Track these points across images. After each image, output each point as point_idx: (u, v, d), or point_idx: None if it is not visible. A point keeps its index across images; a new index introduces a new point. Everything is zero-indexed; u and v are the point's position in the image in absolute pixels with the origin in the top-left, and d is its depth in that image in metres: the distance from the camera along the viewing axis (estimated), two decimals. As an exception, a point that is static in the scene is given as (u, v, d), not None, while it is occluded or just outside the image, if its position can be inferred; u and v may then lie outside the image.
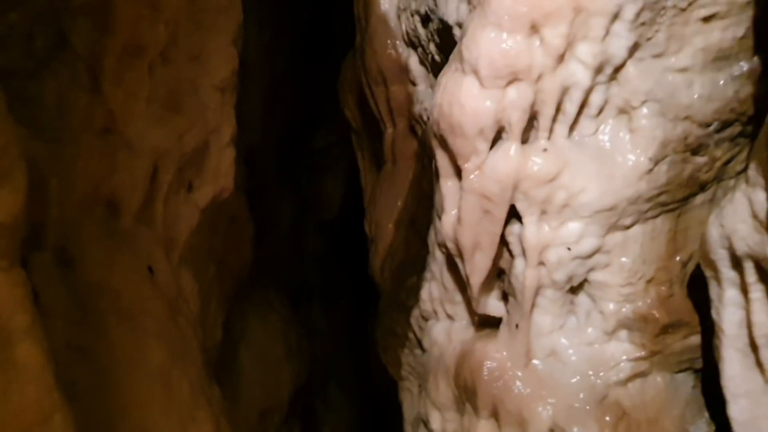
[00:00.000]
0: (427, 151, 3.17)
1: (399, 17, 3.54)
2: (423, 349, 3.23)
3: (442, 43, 3.11)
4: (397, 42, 3.59)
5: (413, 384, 3.51)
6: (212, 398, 2.25)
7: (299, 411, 4.67)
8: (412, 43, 3.48)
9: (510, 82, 2.27)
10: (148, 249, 2.15)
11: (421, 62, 3.49)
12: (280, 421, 4.19)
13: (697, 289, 2.51)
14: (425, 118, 3.49)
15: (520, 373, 2.60)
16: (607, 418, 2.50)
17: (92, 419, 1.62)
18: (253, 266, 4.12)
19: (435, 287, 2.98)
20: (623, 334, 2.57)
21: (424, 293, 3.06)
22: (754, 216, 2.00)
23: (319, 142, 6.24)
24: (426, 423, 3.06)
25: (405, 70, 3.59)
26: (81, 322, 1.72)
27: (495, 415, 2.65)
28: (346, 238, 5.70)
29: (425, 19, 3.25)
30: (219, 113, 2.48)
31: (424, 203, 3.40)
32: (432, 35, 3.24)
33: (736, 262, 2.14)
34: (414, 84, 3.60)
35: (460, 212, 2.49)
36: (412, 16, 3.39)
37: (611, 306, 2.55)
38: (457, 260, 2.65)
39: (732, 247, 2.11)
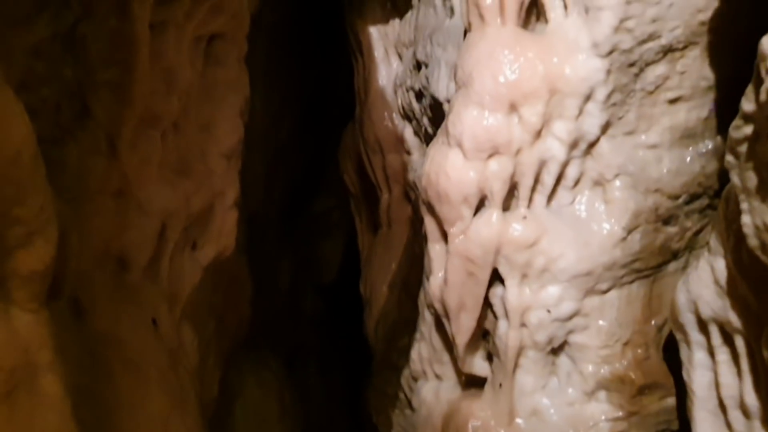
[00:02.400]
0: (417, 216, 3.35)
1: (395, 92, 3.79)
2: (413, 409, 3.32)
3: (434, 117, 3.34)
4: (394, 114, 3.84)
5: (403, 444, 3.58)
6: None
7: (291, 471, 4.69)
8: (407, 116, 3.72)
9: (491, 155, 2.47)
10: (154, 302, 2.29)
11: (416, 133, 3.72)
12: (272, 481, 4.22)
13: (672, 352, 2.64)
14: (418, 186, 3.68)
15: (503, 431, 2.70)
16: (587, 477, 2.59)
17: (95, 460, 1.73)
18: (250, 326, 4.24)
19: (424, 347, 3.10)
20: (602, 394, 2.69)
21: (414, 353, 3.19)
22: (716, 282, 2.15)
23: (319, 206, 6.41)
24: (414, 481, 3.13)
25: (400, 140, 3.82)
26: (90, 367, 1.86)
27: (479, 472, 2.74)
28: (344, 301, 5.79)
29: (419, 95, 3.49)
30: (224, 178, 2.67)
31: (416, 266, 3.55)
32: (425, 109, 3.48)
33: (703, 326, 2.27)
34: (409, 153, 3.82)
35: (447, 274, 2.65)
36: (408, 91, 3.64)
37: (590, 367, 2.67)
38: (444, 320, 2.79)
39: (698, 312, 2.25)
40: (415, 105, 3.61)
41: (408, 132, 3.78)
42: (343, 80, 4.70)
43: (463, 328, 2.69)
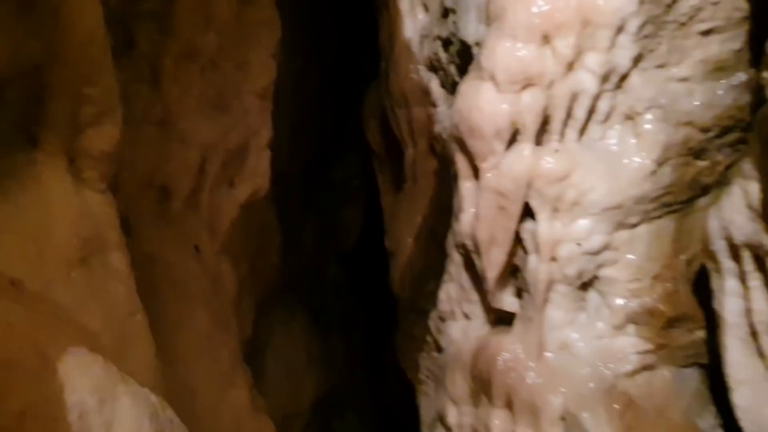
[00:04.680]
0: (446, 160, 3.39)
1: (422, 43, 3.80)
2: (440, 350, 3.38)
3: (462, 64, 3.35)
4: (420, 67, 3.85)
5: (430, 387, 3.64)
6: (247, 373, 2.42)
7: (320, 424, 4.78)
8: (434, 67, 3.73)
9: (524, 87, 2.50)
10: (195, 231, 2.37)
11: (442, 85, 3.73)
12: (302, 428, 4.32)
13: (702, 288, 2.67)
14: (444, 137, 3.71)
15: (533, 364, 2.75)
16: (616, 406, 2.63)
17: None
18: (278, 281, 4.31)
19: (452, 288, 3.15)
20: (631, 328, 2.72)
21: (442, 294, 3.24)
22: (749, 206, 2.18)
23: (340, 173, 6.46)
24: (443, 419, 3.19)
25: (426, 92, 3.83)
26: (138, 283, 1.93)
27: (509, 405, 2.79)
28: (365, 268, 5.85)
29: (446, 43, 3.51)
30: (259, 118, 2.74)
31: (443, 214, 3.59)
32: (452, 57, 3.49)
33: (735, 252, 2.30)
34: (434, 106, 3.84)
35: (478, 209, 2.69)
36: (434, 41, 3.65)
37: (619, 301, 2.70)
38: (474, 257, 2.83)
39: (730, 238, 2.28)
40: (442, 54, 3.62)
41: (434, 84, 3.79)
42: (368, 40, 4.71)
43: (493, 262, 2.73)
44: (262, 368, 4.00)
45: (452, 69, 3.55)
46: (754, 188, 2.15)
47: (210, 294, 2.28)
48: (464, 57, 3.30)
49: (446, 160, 3.46)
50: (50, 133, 1.18)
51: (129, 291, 1.34)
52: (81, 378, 1.02)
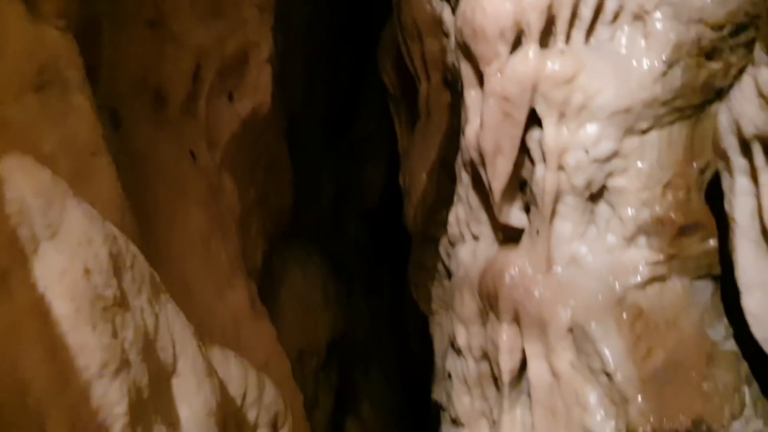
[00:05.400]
0: (457, 88, 3.31)
1: (433, -29, 3.71)
2: (450, 277, 3.34)
3: (473, -15, 3.26)
4: (432, -5, 3.76)
5: (442, 317, 3.61)
6: (250, 285, 2.41)
7: (336, 362, 4.79)
8: (445, -7, 3.64)
9: (528, -15, 2.41)
10: (192, 137, 2.35)
11: (453, 12, 3.64)
12: (318, 365, 4.33)
13: (715, 198, 2.57)
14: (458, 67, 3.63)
15: (540, 278, 2.69)
16: (624, 316, 2.57)
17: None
18: (295, 228, 4.29)
19: (461, 209, 3.10)
20: (642, 239, 2.64)
21: (451, 217, 3.20)
22: (760, 94, 2.08)
23: (359, 131, 6.39)
24: (453, 343, 3.17)
25: (439, 23, 3.75)
26: (129, 175, 1.91)
27: (516, 319, 2.74)
28: (388, 228, 5.81)
29: (458, -33, 3.41)
30: (258, 29, 2.69)
31: (454, 141, 3.53)
32: (464, -20, 3.40)
33: (745, 147, 2.21)
34: (447, 36, 3.75)
35: (483, 117, 2.62)
36: (446, -34, 3.55)
37: (630, 211, 2.62)
38: (480, 170, 2.77)
39: (740, 131, 2.18)
40: (454, -21, 3.53)
41: (446, 13, 3.70)
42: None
43: (499, 172, 2.67)
44: (278, 306, 4.01)
45: (463, -7, 3.46)
46: (765, 74, 2.05)
47: (207, 198, 2.26)
48: (473, -24, 3.21)
49: (456, 85, 3.39)
50: (1, -41, 1.15)
51: (92, 132, 1.31)
52: (23, 178, 1.00)
